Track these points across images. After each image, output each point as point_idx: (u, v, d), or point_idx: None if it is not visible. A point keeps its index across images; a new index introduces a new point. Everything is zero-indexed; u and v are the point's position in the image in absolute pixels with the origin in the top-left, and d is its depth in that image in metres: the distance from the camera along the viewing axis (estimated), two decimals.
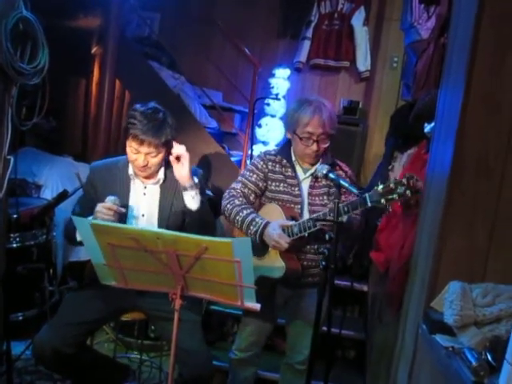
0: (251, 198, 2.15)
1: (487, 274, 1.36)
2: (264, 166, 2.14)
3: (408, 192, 1.74)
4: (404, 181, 1.75)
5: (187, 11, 4.88)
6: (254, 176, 2.14)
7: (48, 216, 2.95)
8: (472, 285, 1.29)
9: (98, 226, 1.63)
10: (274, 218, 2.03)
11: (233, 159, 4.15)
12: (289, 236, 1.97)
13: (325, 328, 1.86)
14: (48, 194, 3.40)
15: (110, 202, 1.94)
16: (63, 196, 2.67)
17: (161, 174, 2.13)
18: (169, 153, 2.02)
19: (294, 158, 2.15)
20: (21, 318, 2.82)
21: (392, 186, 1.76)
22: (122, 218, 2.06)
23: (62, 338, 1.98)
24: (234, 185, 2.17)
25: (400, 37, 4.07)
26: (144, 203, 2.13)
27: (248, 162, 4.06)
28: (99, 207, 1.92)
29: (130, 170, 2.12)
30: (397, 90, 4.53)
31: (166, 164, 2.10)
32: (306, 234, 1.97)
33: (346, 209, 1.86)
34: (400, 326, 1.89)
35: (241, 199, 2.11)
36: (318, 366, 1.89)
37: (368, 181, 3.95)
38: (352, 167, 2.32)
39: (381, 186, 1.79)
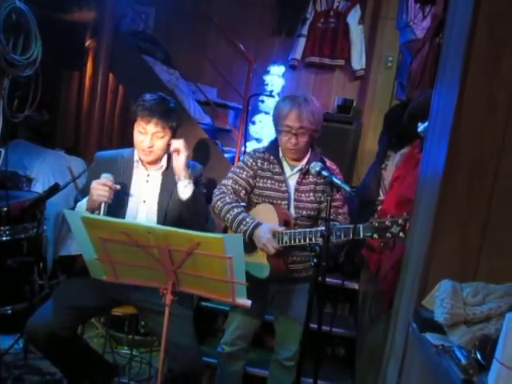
0: (242, 194, 2.15)
1: (478, 273, 1.36)
2: (254, 163, 2.16)
3: (402, 234, 1.77)
4: (401, 221, 1.76)
5: (182, 6, 4.85)
6: (244, 173, 2.16)
7: (39, 209, 2.93)
8: (463, 284, 1.30)
9: (88, 220, 1.62)
10: (267, 219, 2.03)
11: (226, 155, 4.14)
12: (278, 242, 1.97)
13: (315, 325, 1.87)
14: (39, 188, 3.37)
15: (105, 178, 1.97)
16: (54, 189, 2.66)
17: (164, 161, 2.18)
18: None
19: (281, 155, 2.16)
20: (10, 311, 2.79)
21: (388, 223, 1.79)
22: (125, 202, 2.11)
23: (59, 320, 1.99)
24: (224, 181, 2.18)
25: (395, 36, 4.07)
26: (146, 190, 2.17)
27: (241, 158, 4.06)
28: (94, 184, 1.96)
29: (135, 156, 2.16)
30: (391, 89, 4.54)
31: (169, 154, 2.15)
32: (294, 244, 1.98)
33: (338, 233, 1.87)
34: (390, 324, 1.90)
35: (231, 196, 2.12)
36: (308, 363, 1.89)
37: (361, 179, 3.95)
38: (344, 165, 2.33)
39: (377, 221, 1.80)
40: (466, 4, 1.42)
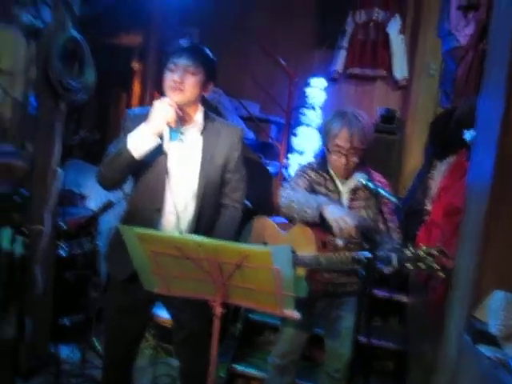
0: None
1: None
2: (306, 176, 2.09)
3: (435, 266, 1.71)
4: (434, 252, 1.71)
5: (225, 25, 4.98)
6: (301, 181, 2.09)
7: (93, 225, 3.07)
8: None
9: (142, 234, 1.69)
10: (302, 244, 1.97)
11: (269, 169, 4.19)
12: (315, 264, 1.92)
13: (363, 338, 1.85)
14: (92, 205, 3.53)
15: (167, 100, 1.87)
16: (108, 206, 2.79)
17: (199, 118, 1.98)
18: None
19: (332, 171, 2.10)
20: (68, 322, 2.93)
21: (422, 254, 1.73)
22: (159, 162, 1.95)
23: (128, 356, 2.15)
24: (282, 189, 2.11)
25: (437, 44, 4.02)
26: (180, 149, 1.97)
27: (284, 170, 4.10)
28: (158, 103, 1.86)
29: None
30: (434, 98, 4.46)
31: (206, 114, 2.00)
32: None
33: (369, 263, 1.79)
34: (442, 337, 1.86)
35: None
36: (357, 377, 1.88)
37: (406, 190, 3.89)
38: (389, 176, 2.28)
39: (411, 250, 1.75)
40: (509, 9, 1.41)
